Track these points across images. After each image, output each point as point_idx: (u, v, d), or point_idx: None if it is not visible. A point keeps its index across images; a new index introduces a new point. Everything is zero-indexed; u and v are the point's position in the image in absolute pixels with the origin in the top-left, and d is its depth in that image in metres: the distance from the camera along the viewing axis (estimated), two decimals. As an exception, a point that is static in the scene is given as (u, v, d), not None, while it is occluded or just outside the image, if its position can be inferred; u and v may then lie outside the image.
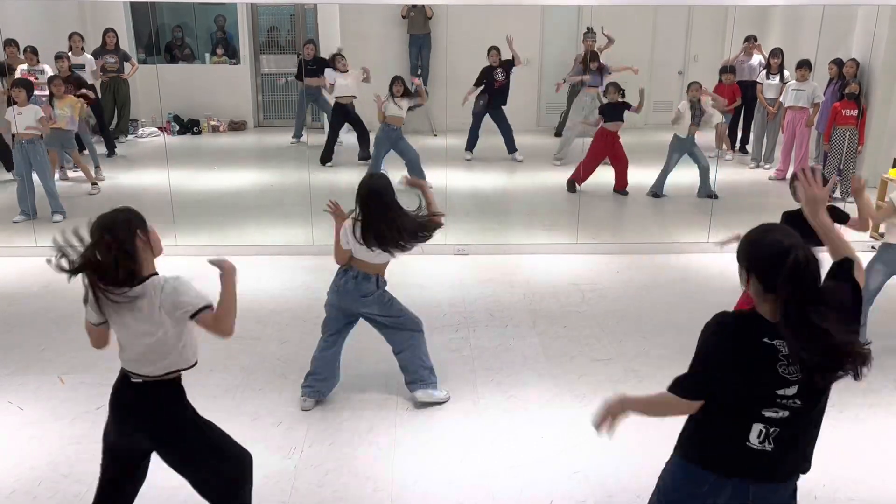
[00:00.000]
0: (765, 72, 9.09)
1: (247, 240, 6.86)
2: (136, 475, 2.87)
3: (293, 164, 8.68)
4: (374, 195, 3.80)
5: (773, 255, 2.10)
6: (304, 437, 3.86)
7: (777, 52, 8.94)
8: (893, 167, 7.36)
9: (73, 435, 3.87)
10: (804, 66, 8.36)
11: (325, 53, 9.25)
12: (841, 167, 7.97)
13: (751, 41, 9.38)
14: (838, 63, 8.34)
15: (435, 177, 8.26)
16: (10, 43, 7.96)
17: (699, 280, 6.09)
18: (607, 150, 8.18)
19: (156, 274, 2.74)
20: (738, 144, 9.74)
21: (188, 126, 10.14)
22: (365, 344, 4.81)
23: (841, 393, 4.35)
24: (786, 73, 8.93)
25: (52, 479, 3.52)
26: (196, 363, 2.81)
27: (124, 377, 2.78)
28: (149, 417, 2.72)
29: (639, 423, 4.03)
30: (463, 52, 9.11)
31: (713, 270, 6.26)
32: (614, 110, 8.11)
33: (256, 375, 4.49)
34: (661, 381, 4.46)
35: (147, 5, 8.97)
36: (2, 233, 6.92)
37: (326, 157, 8.91)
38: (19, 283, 5.92)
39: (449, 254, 6.46)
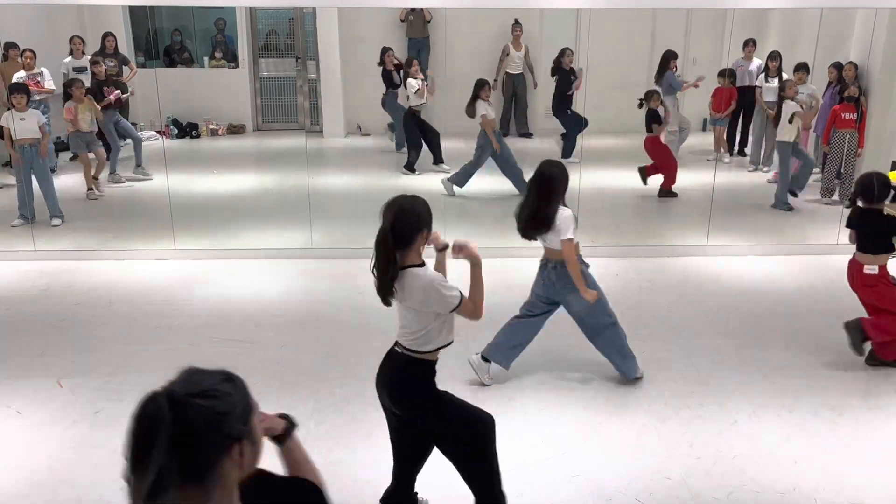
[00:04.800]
0: (763, 75, 9.11)
1: (245, 243, 6.85)
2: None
3: (292, 167, 8.67)
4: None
5: None
6: (303, 441, 3.84)
7: (775, 55, 8.95)
8: (892, 170, 7.37)
9: (72, 439, 3.87)
10: (802, 69, 8.37)
11: (326, 57, 9.26)
12: (841, 170, 7.98)
13: (749, 45, 9.40)
14: (838, 66, 8.35)
15: (433, 179, 8.30)
16: (12, 46, 7.99)
17: (698, 283, 6.09)
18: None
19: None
20: (736, 147, 9.75)
21: (187, 130, 10.13)
22: (363, 346, 4.80)
23: (841, 395, 4.36)
24: (784, 75, 8.94)
25: (51, 484, 3.51)
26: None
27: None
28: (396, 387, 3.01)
29: (637, 428, 4.04)
30: (462, 55, 9.12)
31: (712, 273, 6.26)
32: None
33: (255, 379, 4.44)
34: (661, 384, 4.49)
35: (146, 9, 8.97)
36: (1, 236, 6.91)
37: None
38: (18, 287, 5.91)
39: (447, 257, 6.45)
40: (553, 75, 9.25)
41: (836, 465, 3.71)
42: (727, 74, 9.13)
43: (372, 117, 9.86)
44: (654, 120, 8.17)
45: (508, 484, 3.51)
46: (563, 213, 4.07)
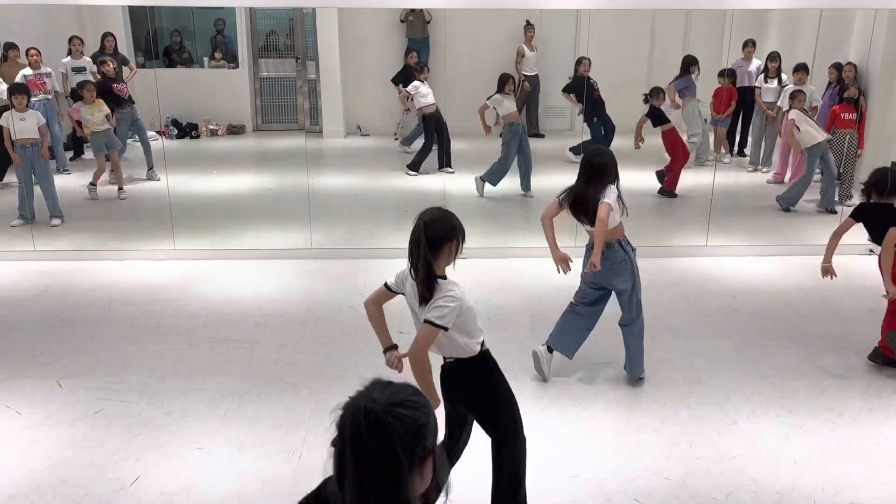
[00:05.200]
0: (763, 76, 9.11)
1: (245, 244, 6.86)
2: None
3: (292, 167, 8.68)
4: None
5: None
6: (303, 440, 3.85)
7: (775, 56, 8.96)
8: (892, 170, 7.36)
9: (72, 439, 3.87)
10: (801, 69, 8.38)
11: (326, 58, 9.25)
12: (840, 171, 7.99)
13: (749, 46, 9.41)
14: (838, 67, 8.35)
15: (434, 180, 8.30)
16: (12, 46, 7.98)
17: (697, 283, 6.09)
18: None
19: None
20: (736, 148, 9.76)
21: (187, 130, 10.13)
22: (363, 346, 4.80)
23: (840, 396, 4.37)
24: (783, 76, 8.95)
25: (50, 484, 3.51)
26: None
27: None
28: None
29: (637, 428, 4.04)
30: (461, 55, 9.12)
31: (711, 274, 6.27)
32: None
33: (255, 379, 4.49)
34: (660, 384, 4.50)
35: (145, 9, 8.97)
36: (0, 236, 6.91)
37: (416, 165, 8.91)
38: (17, 287, 5.91)
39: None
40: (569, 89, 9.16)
41: (835, 465, 3.71)
42: (727, 74, 9.14)
43: (371, 117, 9.86)
44: (654, 117, 8.16)
45: (508, 484, 3.52)
46: (609, 188, 4.08)
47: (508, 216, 7.86)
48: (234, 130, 10.40)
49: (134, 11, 9.39)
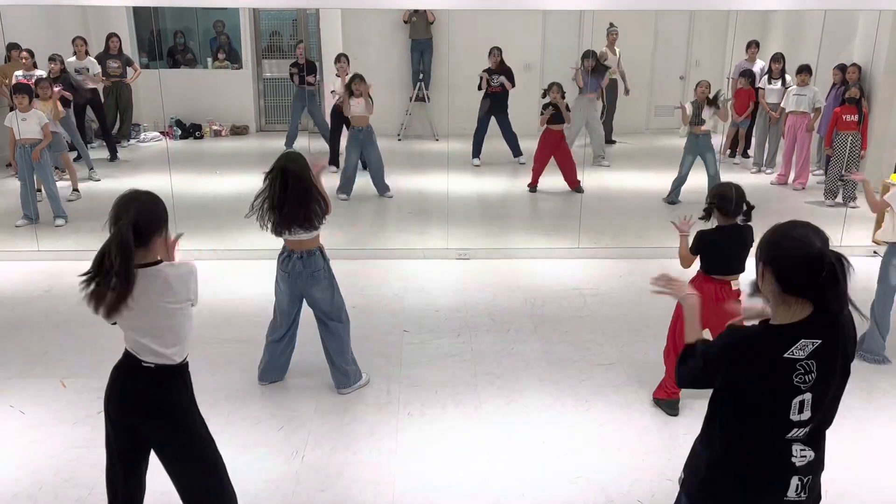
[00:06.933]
0: (766, 77, 9.11)
1: (248, 244, 6.85)
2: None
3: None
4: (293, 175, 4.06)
5: (802, 259, 2.02)
6: (306, 441, 3.86)
7: (778, 57, 8.95)
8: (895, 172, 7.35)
9: (75, 439, 3.88)
10: (804, 70, 8.37)
11: (329, 59, 9.27)
12: (843, 172, 7.98)
13: (752, 47, 9.41)
14: (842, 68, 8.35)
15: (437, 181, 8.30)
16: (14, 47, 8.02)
17: (701, 285, 6.08)
18: (553, 150, 8.16)
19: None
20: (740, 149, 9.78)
21: (190, 130, 10.16)
22: (364, 346, 4.81)
23: (843, 397, 4.35)
24: (787, 77, 8.95)
25: (54, 484, 3.52)
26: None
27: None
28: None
29: (639, 429, 4.04)
30: (464, 56, 9.13)
31: (715, 275, 6.26)
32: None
33: (255, 380, 4.50)
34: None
35: (149, 10, 9.00)
36: (4, 236, 6.94)
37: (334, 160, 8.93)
38: (22, 287, 5.93)
39: (451, 258, 6.46)
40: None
41: (837, 466, 3.70)
42: (748, 75, 9.17)
43: (373, 118, 9.86)
44: (554, 113, 8.06)
45: (511, 485, 3.53)
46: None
47: (510, 217, 7.86)
48: (238, 131, 10.43)
49: (138, 12, 9.43)
